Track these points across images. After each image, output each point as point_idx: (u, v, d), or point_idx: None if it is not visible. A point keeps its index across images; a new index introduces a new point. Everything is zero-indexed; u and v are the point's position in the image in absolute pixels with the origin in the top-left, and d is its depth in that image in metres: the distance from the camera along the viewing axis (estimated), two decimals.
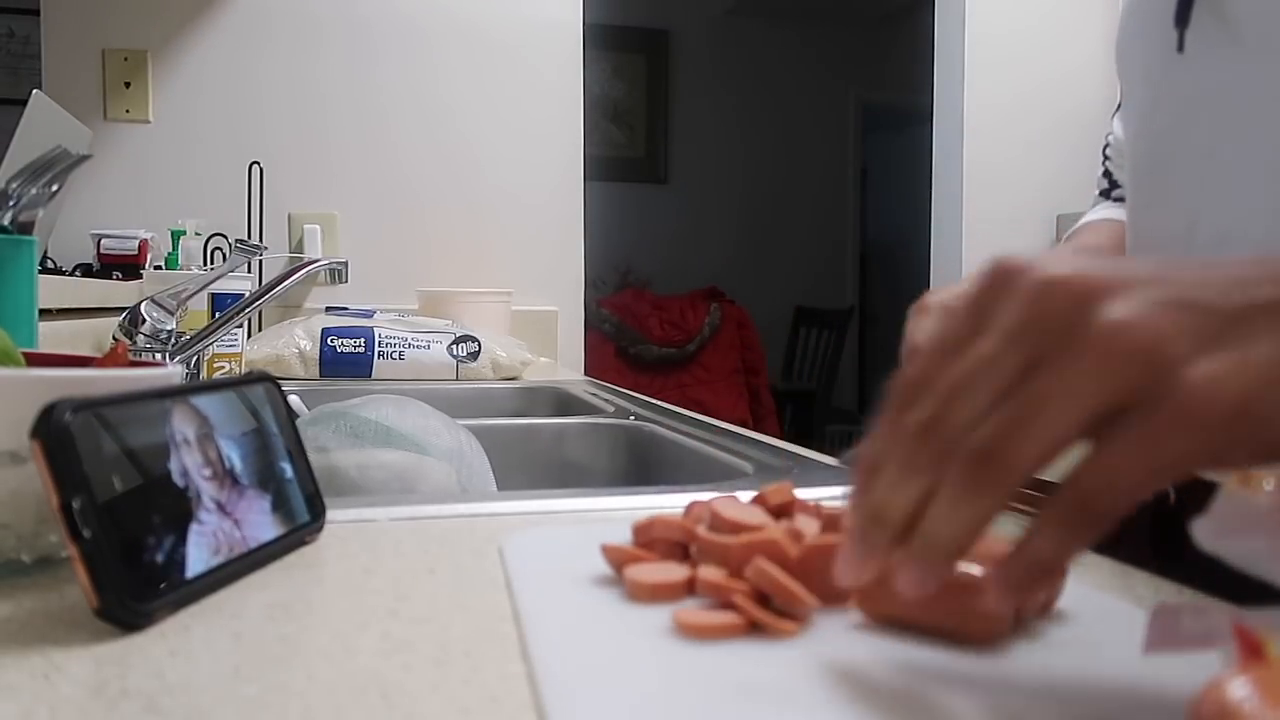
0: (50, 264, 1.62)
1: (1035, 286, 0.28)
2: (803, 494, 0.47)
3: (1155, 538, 0.62)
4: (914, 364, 0.31)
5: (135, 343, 1.00)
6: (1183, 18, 0.59)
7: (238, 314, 1.07)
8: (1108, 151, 0.87)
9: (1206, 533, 0.27)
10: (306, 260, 1.20)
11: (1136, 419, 0.26)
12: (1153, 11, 0.63)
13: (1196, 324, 0.27)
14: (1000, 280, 0.29)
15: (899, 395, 0.31)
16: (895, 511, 0.30)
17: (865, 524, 0.30)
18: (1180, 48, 0.59)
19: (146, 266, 1.66)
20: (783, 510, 0.42)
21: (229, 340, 1.28)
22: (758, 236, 4.98)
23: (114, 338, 1.02)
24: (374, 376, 1.46)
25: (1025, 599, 0.29)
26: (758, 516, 0.40)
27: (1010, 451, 0.27)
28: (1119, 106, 0.87)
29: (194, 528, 0.38)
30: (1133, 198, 0.68)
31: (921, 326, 0.62)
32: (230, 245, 1.69)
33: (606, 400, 1.20)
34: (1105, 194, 0.87)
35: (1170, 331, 0.26)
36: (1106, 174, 0.87)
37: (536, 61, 2.05)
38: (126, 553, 0.34)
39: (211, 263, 1.72)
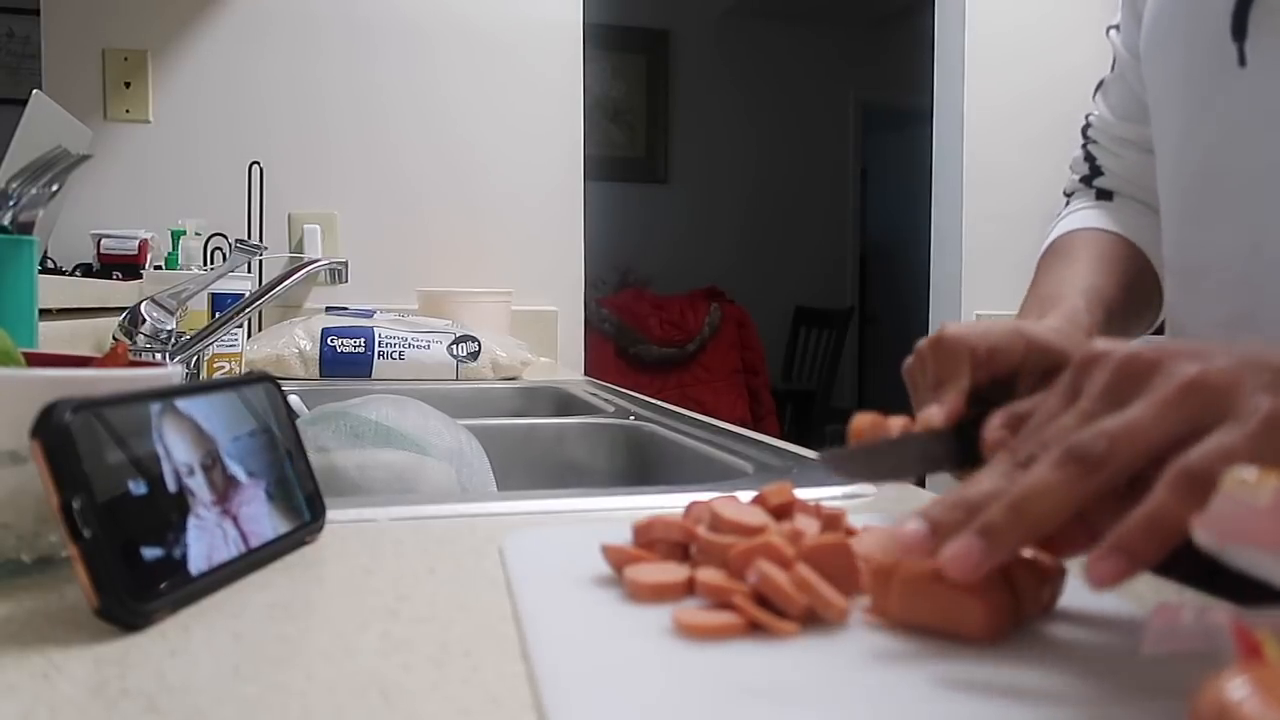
0: (50, 264, 1.62)
1: (1120, 357, 0.34)
2: (803, 494, 0.47)
3: None
4: (1021, 433, 0.36)
5: (135, 343, 1.00)
6: (1240, 30, 0.58)
7: (238, 314, 1.07)
8: (1090, 133, 0.85)
9: (1206, 532, 0.27)
10: (306, 260, 1.20)
11: (1235, 425, 0.31)
12: (1196, 19, 0.62)
13: (1257, 374, 0.32)
14: (1087, 361, 0.35)
15: (1003, 453, 0.36)
16: (979, 493, 0.33)
17: (947, 509, 0.34)
18: (1242, 62, 0.58)
19: (146, 266, 1.66)
20: (783, 511, 0.42)
21: (229, 340, 1.28)
22: (758, 236, 4.98)
23: (114, 338, 1.02)
24: (374, 376, 1.46)
25: (1124, 575, 0.31)
26: (758, 516, 0.40)
27: (1102, 443, 0.32)
28: (1100, 85, 0.85)
29: (194, 526, 0.38)
30: (1177, 213, 0.67)
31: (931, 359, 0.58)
32: (230, 245, 1.69)
33: (606, 400, 1.20)
34: (1087, 181, 0.85)
35: (1238, 375, 0.32)
36: (1089, 158, 0.85)
37: (536, 61, 2.05)
38: (126, 553, 0.34)
39: (211, 263, 1.72)
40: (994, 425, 0.38)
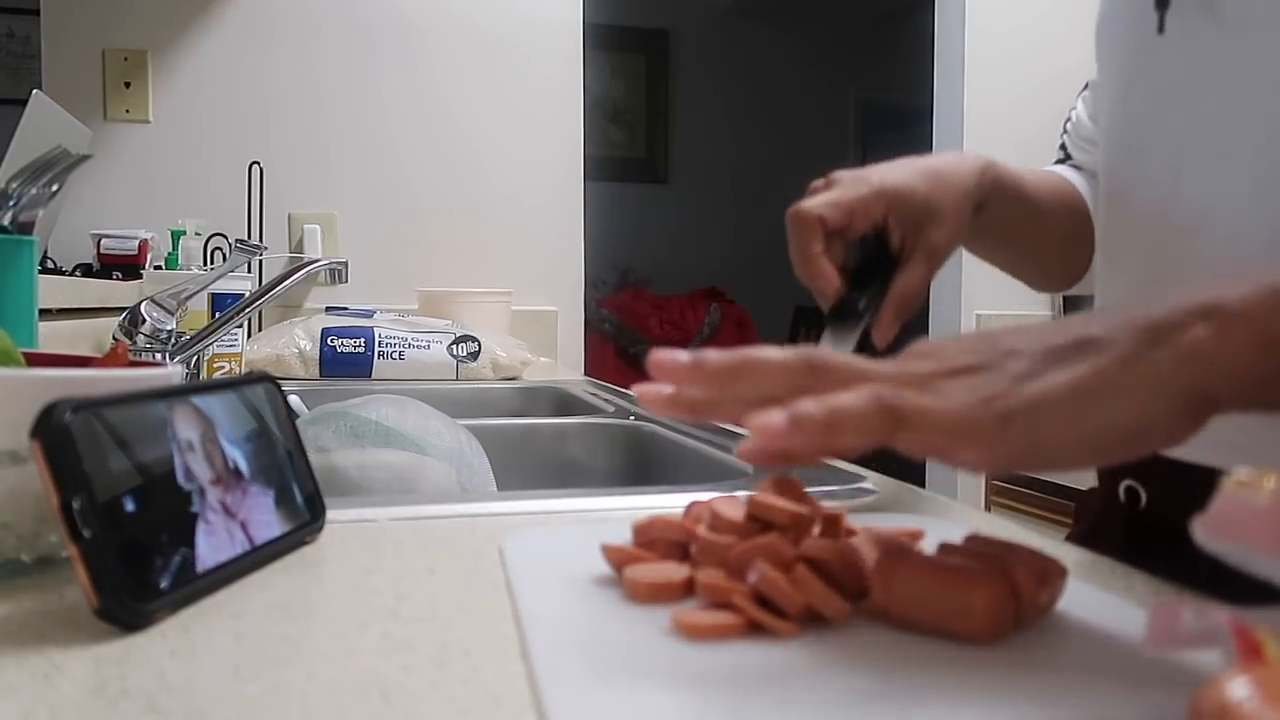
0: (50, 264, 1.62)
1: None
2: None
3: (1128, 538, 0.62)
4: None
5: (135, 343, 1.00)
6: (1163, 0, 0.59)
7: (238, 314, 1.07)
8: (1068, 127, 0.87)
9: (1206, 531, 0.27)
10: (306, 260, 1.20)
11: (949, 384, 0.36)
12: None
13: (1004, 372, 0.35)
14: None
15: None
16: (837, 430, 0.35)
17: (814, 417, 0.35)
18: (1161, 29, 0.59)
19: (146, 266, 1.66)
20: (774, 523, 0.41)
21: (229, 340, 1.28)
22: (757, 236, 4.97)
23: (114, 338, 1.02)
24: (374, 376, 1.46)
25: (793, 449, 0.34)
26: (794, 505, 0.40)
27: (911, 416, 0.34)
28: (1085, 87, 0.86)
29: (194, 526, 0.38)
30: (1107, 183, 0.68)
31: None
32: (230, 245, 1.69)
33: (606, 400, 1.20)
34: (1060, 163, 0.87)
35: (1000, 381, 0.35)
36: (1062, 146, 0.87)
37: (536, 61, 2.05)
38: (126, 553, 0.34)
39: (211, 263, 1.72)
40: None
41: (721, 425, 0.94)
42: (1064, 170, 0.83)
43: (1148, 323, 0.33)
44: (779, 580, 0.34)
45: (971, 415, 0.34)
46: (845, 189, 0.63)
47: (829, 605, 0.34)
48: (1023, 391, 0.33)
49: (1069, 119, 0.86)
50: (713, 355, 0.37)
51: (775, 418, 0.33)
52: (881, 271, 0.63)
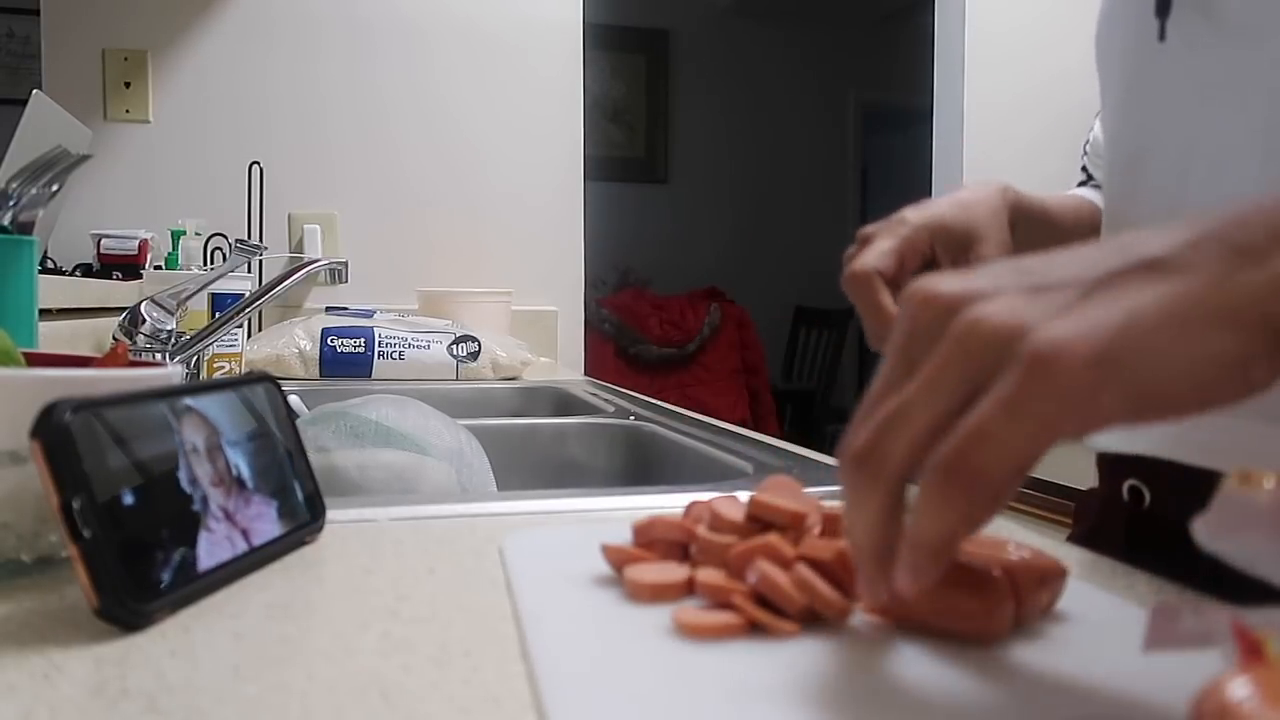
0: (50, 264, 1.62)
1: (914, 306, 0.30)
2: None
3: (1129, 538, 0.62)
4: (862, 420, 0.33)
5: (135, 343, 1.00)
6: (1164, 7, 0.59)
7: (238, 314, 1.07)
8: (1086, 148, 0.87)
9: (1206, 531, 0.27)
10: (306, 260, 1.20)
11: (995, 381, 0.27)
12: (1132, 3, 0.62)
13: (1045, 302, 0.28)
14: (903, 303, 0.31)
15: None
16: (858, 535, 0.31)
17: (853, 553, 0.32)
18: (1162, 37, 0.59)
19: (146, 266, 1.66)
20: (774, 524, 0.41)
21: (229, 340, 1.28)
22: (758, 236, 4.98)
23: (114, 338, 1.02)
24: (374, 376, 1.46)
25: (916, 585, 0.29)
26: (802, 503, 0.40)
27: (885, 452, 0.29)
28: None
29: (194, 527, 0.38)
30: (1110, 191, 0.68)
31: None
32: (230, 245, 1.69)
33: (606, 400, 1.20)
34: (1082, 185, 0.87)
35: (1019, 312, 0.28)
36: (1084, 169, 0.87)
37: (536, 61, 2.05)
38: (126, 553, 0.34)
39: (211, 263, 1.72)
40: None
41: (721, 425, 0.94)
42: (1085, 191, 0.83)
43: (1228, 242, 0.28)
44: (778, 580, 0.34)
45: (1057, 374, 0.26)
46: (886, 235, 0.62)
47: (828, 605, 0.34)
48: (1104, 323, 0.27)
49: (1087, 140, 0.86)
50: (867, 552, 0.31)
51: (899, 583, 0.30)
52: None
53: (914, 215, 0.63)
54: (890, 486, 0.29)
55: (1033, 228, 0.70)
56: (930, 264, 0.62)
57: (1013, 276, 0.29)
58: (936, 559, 0.29)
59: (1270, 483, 0.27)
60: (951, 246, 0.62)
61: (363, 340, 1.46)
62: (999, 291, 0.29)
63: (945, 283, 0.30)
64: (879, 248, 0.60)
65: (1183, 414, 0.27)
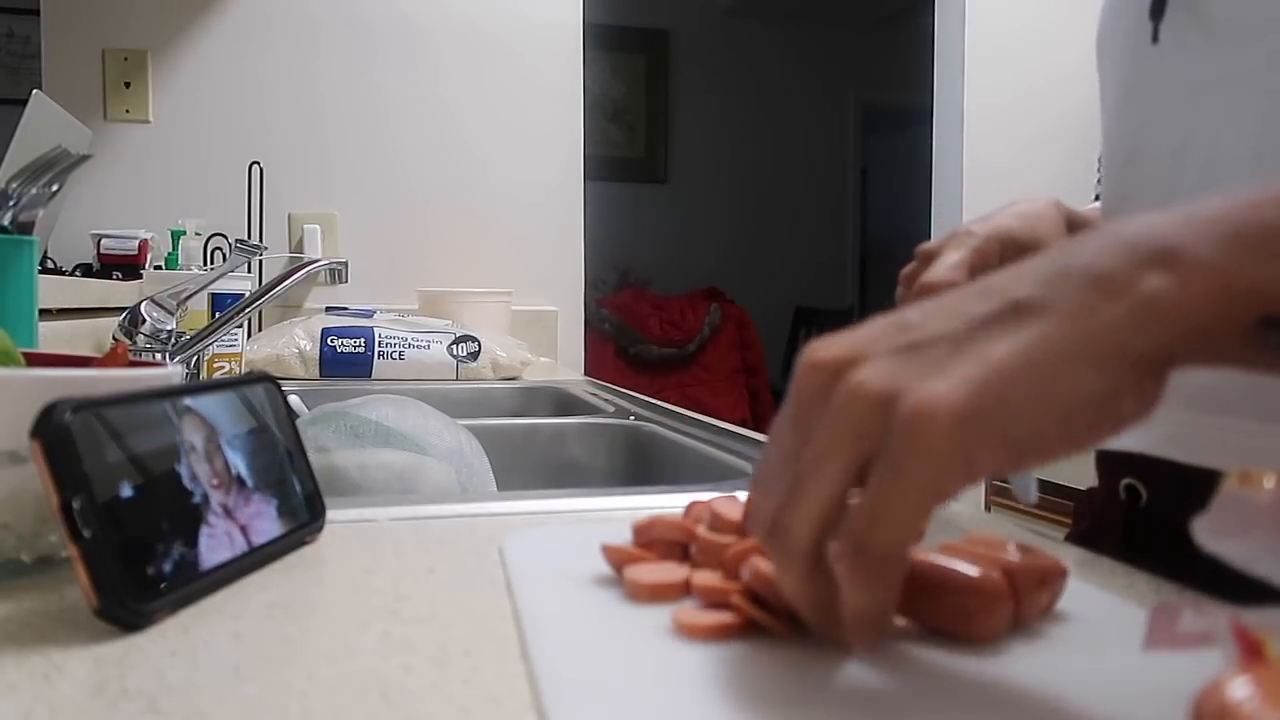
0: (50, 264, 1.62)
1: (801, 372, 0.31)
2: None
3: (1128, 536, 0.62)
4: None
5: (135, 343, 1.00)
6: (1158, 10, 0.59)
7: (238, 314, 1.07)
8: (1101, 161, 0.87)
9: (1206, 531, 0.27)
10: (306, 260, 1.20)
11: (881, 455, 0.28)
12: (1129, 5, 0.63)
13: (919, 361, 0.28)
14: (796, 369, 0.32)
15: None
16: (793, 598, 0.32)
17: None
18: (1155, 39, 0.59)
19: (146, 266, 1.66)
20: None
21: (229, 340, 1.28)
22: (757, 236, 4.98)
23: (114, 338, 1.02)
24: (374, 376, 1.46)
25: (868, 645, 0.31)
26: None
27: (788, 529, 0.30)
28: None
29: (194, 527, 0.38)
30: (1106, 193, 0.68)
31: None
32: (230, 245, 1.69)
33: (606, 400, 1.20)
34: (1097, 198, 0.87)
35: (895, 374, 0.28)
36: (1099, 184, 0.87)
37: (536, 61, 2.05)
38: (126, 553, 0.34)
39: (211, 263, 1.72)
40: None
41: (721, 425, 0.94)
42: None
43: (1091, 273, 0.28)
44: (771, 577, 0.34)
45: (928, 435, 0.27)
46: (954, 248, 0.60)
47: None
48: (969, 379, 0.27)
49: (1100, 154, 0.86)
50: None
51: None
52: None
53: (980, 227, 0.61)
54: (804, 558, 0.30)
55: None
56: None
57: (891, 335, 0.30)
58: (879, 622, 0.30)
59: (1270, 482, 0.27)
60: (1020, 257, 0.61)
61: (363, 340, 1.46)
62: (876, 353, 0.29)
63: (828, 347, 0.31)
64: (949, 260, 0.58)
65: (1058, 456, 0.28)
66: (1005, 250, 0.60)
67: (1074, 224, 0.69)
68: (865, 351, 0.29)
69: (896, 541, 0.28)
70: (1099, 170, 0.86)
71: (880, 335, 0.30)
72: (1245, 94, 0.53)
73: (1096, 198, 0.86)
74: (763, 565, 0.35)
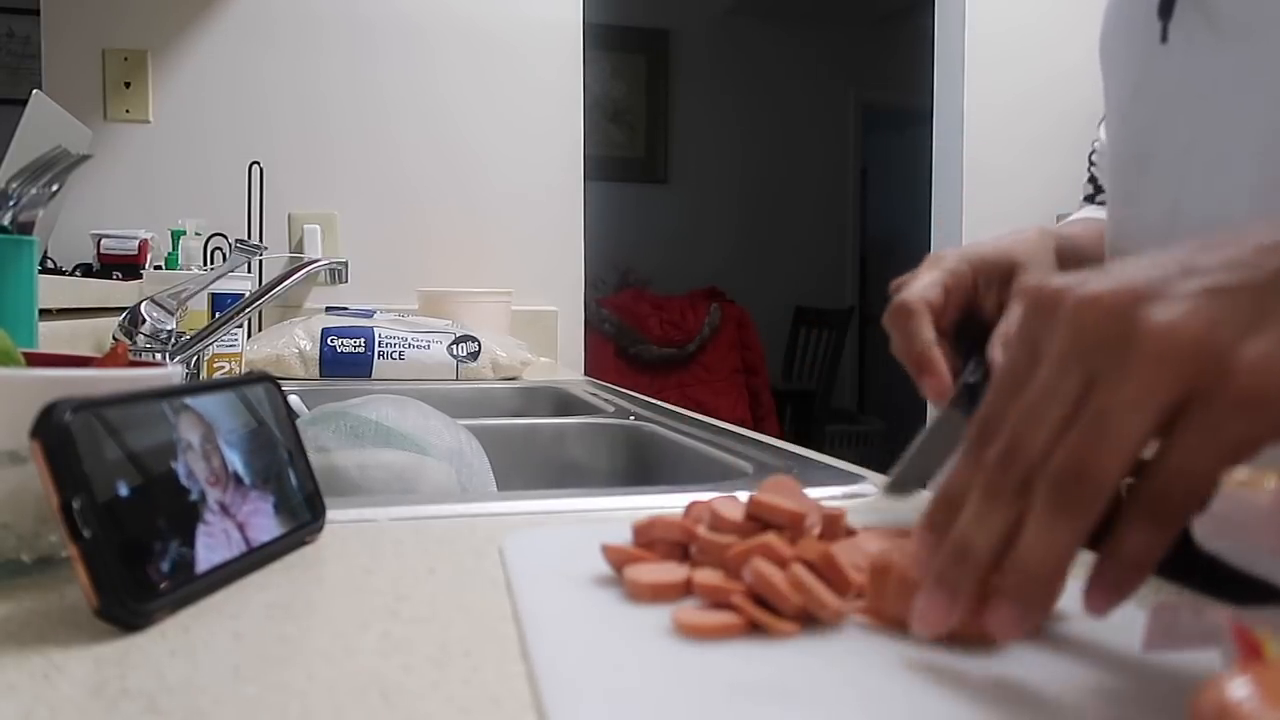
0: (50, 264, 1.62)
1: (1075, 308, 0.29)
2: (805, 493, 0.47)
3: None
4: (985, 403, 0.32)
5: (135, 343, 1.00)
6: (1166, 9, 0.59)
7: (238, 314, 1.07)
8: (1093, 157, 0.87)
9: (1207, 531, 0.27)
10: (306, 260, 1.20)
11: (1198, 409, 0.27)
12: (1137, 4, 0.63)
13: (1236, 307, 0.27)
14: (1042, 308, 0.30)
15: (973, 434, 0.32)
16: (982, 548, 0.30)
17: (949, 564, 0.30)
18: (1164, 39, 0.59)
19: (146, 266, 1.66)
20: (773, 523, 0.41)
21: (229, 340, 1.28)
22: (758, 236, 4.98)
23: (114, 338, 1.02)
24: (374, 376, 1.46)
25: (1123, 601, 0.29)
26: (801, 503, 0.40)
27: (1093, 467, 0.28)
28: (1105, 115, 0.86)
29: (194, 527, 0.38)
30: (1113, 192, 0.68)
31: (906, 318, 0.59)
32: (230, 245, 1.69)
33: (606, 400, 1.20)
34: (1090, 199, 0.87)
35: (1213, 320, 0.27)
36: (1092, 179, 0.86)
37: (536, 61, 2.05)
38: (126, 553, 0.34)
39: (211, 263, 1.72)
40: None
41: (721, 425, 0.94)
42: (1094, 212, 0.82)
43: None
44: (773, 579, 0.34)
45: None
46: (930, 270, 0.59)
47: (823, 607, 0.34)
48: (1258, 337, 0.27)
49: (1093, 150, 0.86)
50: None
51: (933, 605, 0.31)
52: (978, 340, 0.57)
53: (955, 252, 0.61)
54: (1104, 500, 0.28)
55: (1067, 265, 0.69)
56: (974, 298, 0.60)
57: (1181, 276, 0.29)
58: (1133, 580, 0.29)
59: (1271, 483, 0.27)
60: (995, 278, 0.60)
61: (363, 340, 1.46)
62: (1173, 295, 0.28)
63: (1097, 282, 0.29)
64: (927, 279, 0.58)
65: None
66: (980, 271, 0.59)
67: (1063, 250, 0.68)
68: (1157, 290, 0.28)
69: (1200, 493, 0.28)
70: (1091, 167, 0.85)
71: (1168, 274, 0.29)
72: (1251, 93, 0.53)
73: (1088, 197, 0.85)
74: (765, 566, 0.35)
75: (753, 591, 0.35)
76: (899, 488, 0.48)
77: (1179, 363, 0.27)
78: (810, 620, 0.35)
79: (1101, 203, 0.85)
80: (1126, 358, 0.28)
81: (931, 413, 0.54)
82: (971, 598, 0.30)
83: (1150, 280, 0.29)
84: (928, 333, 0.55)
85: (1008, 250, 0.61)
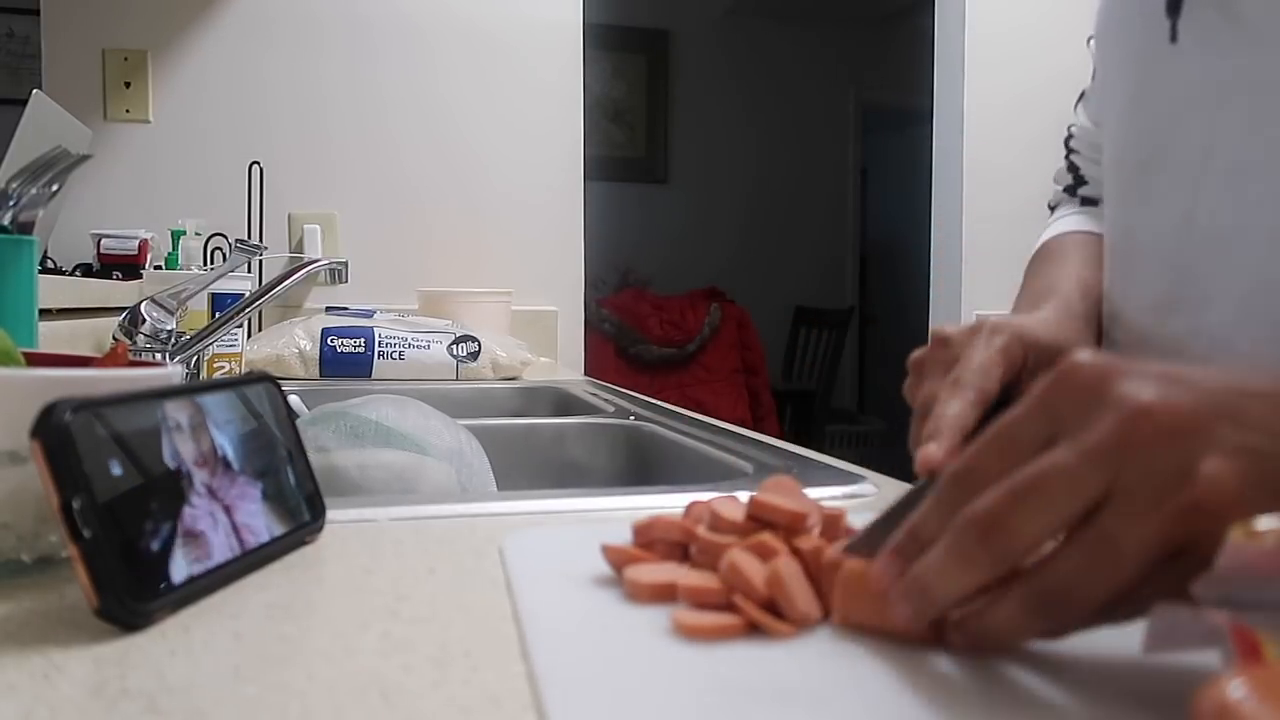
0: (50, 264, 1.62)
1: (1128, 414, 0.28)
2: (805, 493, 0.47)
3: None
4: (976, 450, 0.31)
5: (135, 343, 1.00)
6: (1175, 7, 0.58)
7: (238, 314, 1.07)
8: (1072, 144, 0.85)
9: (1209, 592, 0.27)
10: (306, 260, 1.20)
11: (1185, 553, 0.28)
12: (1137, 1, 0.61)
13: (1266, 475, 0.28)
14: (1077, 383, 0.30)
15: (958, 476, 0.31)
16: (943, 599, 0.31)
17: (910, 594, 0.31)
18: (1173, 38, 0.58)
19: (146, 266, 1.66)
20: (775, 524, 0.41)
21: (229, 340, 1.28)
22: (758, 236, 4.97)
23: (114, 338, 1.02)
24: (374, 376, 1.46)
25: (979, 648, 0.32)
26: (802, 503, 0.40)
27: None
28: (1081, 96, 0.85)
29: (189, 518, 0.38)
30: (1118, 194, 0.67)
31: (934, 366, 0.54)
32: (230, 245, 1.69)
33: (606, 400, 1.20)
34: (1071, 190, 0.85)
35: (1247, 484, 0.27)
36: (1072, 168, 0.84)
37: (536, 61, 2.05)
38: (126, 553, 0.34)
39: (211, 263, 1.72)
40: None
41: (721, 425, 0.94)
42: (1082, 222, 0.79)
43: None
44: (745, 568, 0.34)
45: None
46: (981, 346, 0.53)
47: (791, 608, 0.34)
48: None
49: (1070, 134, 0.84)
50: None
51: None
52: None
53: (1005, 325, 0.55)
54: (1011, 562, 0.29)
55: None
56: (1017, 380, 0.54)
57: (1228, 413, 0.28)
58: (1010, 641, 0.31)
59: (1272, 538, 0.26)
60: (1043, 366, 0.54)
61: (363, 340, 1.46)
62: (1218, 442, 0.28)
63: (1148, 389, 0.29)
64: (982, 356, 0.52)
65: None
66: (1028, 351, 0.54)
67: (1092, 315, 0.66)
68: (1207, 428, 0.28)
69: (1099, 588, 0.29)
70: (1070, 154, 0.83)
71: (1219, 411, 0.28)
72: (1276, 96, 0.52)
73: (1068, 188, 0.84)
74: (741, 558, 0.35)
75: (726, 583, 0.35)
76: (858, 551, 0.45)
77: (1204, 518, 0.27)
78: (813, 620, 0.35)
79: (1085, 196, 0.84)
80: (1165, 495, 0.27)
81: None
82: (929, 626, 0.32)
83: (1197, 413, 0.28)
84: (968, 417, 0.48)
85: (1057, 341, 0.56)
